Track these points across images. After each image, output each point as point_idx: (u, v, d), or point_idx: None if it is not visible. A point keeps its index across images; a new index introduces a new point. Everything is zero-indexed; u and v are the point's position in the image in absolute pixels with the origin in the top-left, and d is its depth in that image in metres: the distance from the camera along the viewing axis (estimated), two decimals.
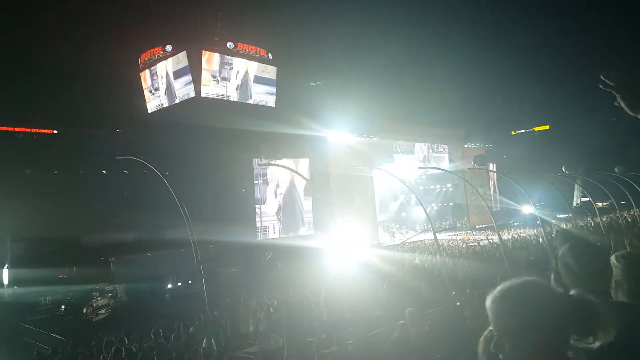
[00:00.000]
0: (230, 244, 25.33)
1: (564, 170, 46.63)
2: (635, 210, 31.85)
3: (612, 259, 2.33)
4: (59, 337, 16.87)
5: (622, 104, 1.93)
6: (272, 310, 13.44)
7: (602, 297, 1.91)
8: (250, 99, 36.30)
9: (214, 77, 34.83)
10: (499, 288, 1.68)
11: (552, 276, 2.21)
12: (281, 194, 33.78)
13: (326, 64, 46.52)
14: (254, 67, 36.51)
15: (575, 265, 2.11)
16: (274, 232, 33.20)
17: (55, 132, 38.97)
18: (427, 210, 31.40)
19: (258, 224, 32.52)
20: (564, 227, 28.79)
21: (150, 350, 11.90)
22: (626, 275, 2.25)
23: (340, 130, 36.03)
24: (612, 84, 1.93)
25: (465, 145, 49.33)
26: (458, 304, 10.57)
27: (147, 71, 37.45)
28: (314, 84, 41.04)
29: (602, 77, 1.95)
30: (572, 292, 1.71)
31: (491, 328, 1.64)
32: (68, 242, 27.72)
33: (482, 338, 1.71)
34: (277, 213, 33.52)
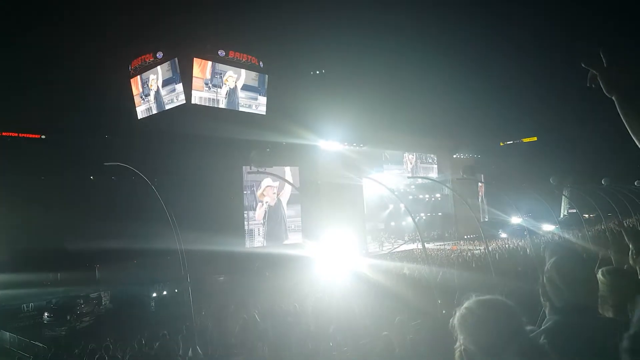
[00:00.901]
0: (218, 252, 25.13)
1: (551, 181, 47.36)
2: (622, 221, 32.29)
3: (599, 274, 2.34)
4: (41, 344, 16.51)
5: (601, 85, 1.87)
6: (258, 320, 13.33)
7: (588, 313, 2.01)
8: (240, 106, 36.30)
9: (205, 84, 34.83)
10: (465, 304, 1.76)
11: (540, 290, 2.20)
12: (267, 202, 33.73)
13: (317, 72, 46.78)
14: (244, 76, 36.61)
15: (560, 281, 2.08)
16: (261, 241, 33.06)
17: (42, 137, 38.50)
18: (416, 220, 31.61)
19: (246, 232, 32.37)
20: (553, 238, 29.06)
21: (134, 359, 11.73)
22: (611, 291, 2.28)
23: (330, 139, 36.19)
24: (593, 68, 1.88)
25: (454, 156, 49.80)
26: (444, 312, 10.62)
27: (137, 77, 37.30)
28: (316, 73, 41.07)
29: (583, 65, 1.92)
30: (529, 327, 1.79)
31: (461, 341, 1.73)
32: (53, 248, 27.26)
33: (456, 350, 1.78)
34: (263, 221, 33.46)
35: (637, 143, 1.71)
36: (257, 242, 32.62)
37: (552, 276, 2.13)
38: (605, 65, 1.81)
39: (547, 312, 2.12)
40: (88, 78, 39.71)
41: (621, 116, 1.76)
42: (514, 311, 1.73)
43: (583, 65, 1.90)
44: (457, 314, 1.77)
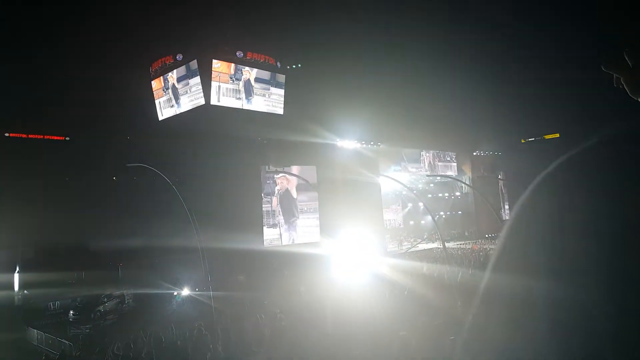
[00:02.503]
0: (237, 251, 25.34)
1: None
2: None
3: None
4: (67, 342, 16.94)
5: (625, 87, 1.87)
6: (277, 319, 13.39)
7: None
8: (255, 95, 36.76)
9: (230, 78, 35.40)
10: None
11: None
12: (278, 189, 34.08)
13: (335, 71, 46.68)
14: (255, 71, 37.06)
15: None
16: (280, 239, 33.20)
17: (66, 138, 39.49)
18: (435, 219, 31.24)
19: (265, 231, 32.57)
20: None
21: (150, 356, 11.91)
22: None
23: (348, 138, 36.07)
24: (615, 71, 1.88)
25: (474, 153, 48.93)
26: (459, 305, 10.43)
27: (158, 79, 37.92)
28: (293, 67, 40.96)
29: (604, 68, 1.93)
30: None
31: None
32: (77, 247, 27.96)
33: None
34: (278, 207, 33.77)
35: None
36: (276, 243, 32.75)
37: None
38: (629, 66, 1.80)
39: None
40: (110, 80, 40.60)
41: None
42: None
43: (603, 68, 1.89)
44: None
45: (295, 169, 32.41)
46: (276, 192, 33.91)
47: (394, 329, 10.24)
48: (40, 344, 18.26)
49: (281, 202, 33.97)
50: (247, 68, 36.32)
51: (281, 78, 38.11)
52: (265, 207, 33.20)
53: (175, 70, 36.32)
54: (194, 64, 34.97)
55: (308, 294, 17.77)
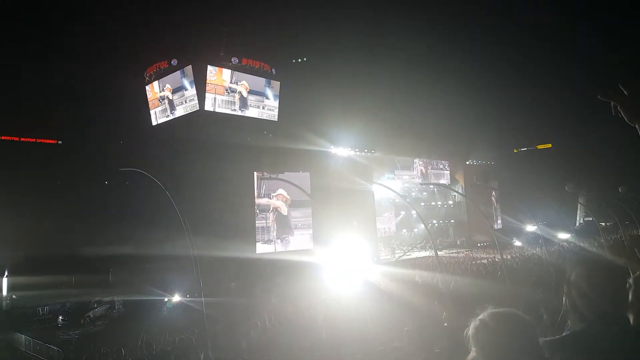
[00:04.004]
0: (230, 258, 25.21)
1: (566, 189, 46.57)
2: None
3: (630, 280, 2.28)
4: (56, 348, 16.71)
5: (622, 114, 1.96)
6: (269, 326, 13.32)
7: (617, 322, 1.99)
8: (250, 107, 36.74)
9: (225, 90, 35.38)
10: (480, 316, 1.81)
11: (565, 300, 2.17)
12: (278, 207, 33.90)
13: (329, 79, 46.93)
14: (255, 82, 37.09)
15: (590, 291, 2.06)
16: (272, 247, 33.08)
17: (59, 142, 39.27)
18: (428, 227, 31.35)
19: (257, 238, 32.45)
20: (573, 247, 28.49)
21: None
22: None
23: (341, 145, 36.17)
24: (611, 100, 1.97)
25: (467, 162, 49.26)
26: (445, 324, 10.41)
27: (152, 84, 37.88)
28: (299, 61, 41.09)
29: (600, 97, 2.00)
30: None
31: (474, 354, 1.78)
32: (67, 252, 27.68)
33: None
34: (274, 227, 33.62)
35: None
36: (269, 250, 32.61)
37: (580, 286, 2.10)
38: (625, 95, 1.88)
39: (570, 321, 2.11)
40: (104, 85, 40.54)
41: None
42: (528, 325, 1.77)
43: (600, 97, 1.96)
44: (472, 325, 1.82)
45: (288, 176, 32.38)
46: (271, 209, 33.71)
47: (386, 338, 10.23)
48: (28, 349, 17.98)
49: (277, 219, 33.85)
50: (243, 82, 36.31)
51: (275, 89, 38.17)
52: (260, 223, 32.93)
53: (171, 80, 36.18)
54: (189, 72, 34.98)
55: (301, 301, 17.67)
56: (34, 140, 37.66)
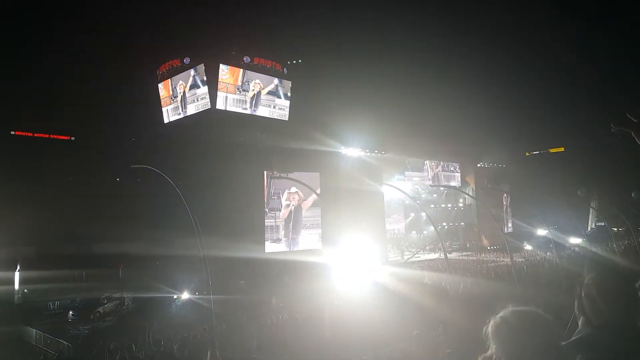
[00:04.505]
0: (239, 256, 25.28)
1: (579, 193, 45.95)
2: None
3: None
4: (65, 342, 16.88)
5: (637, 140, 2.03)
6: (277, 325, 13.32)
7: (624, 329, 1.97)
8: (261, 105, 36.85)
9: (237, 89, 35.54)
10: (501, 314, 1.83)
11: (576, 304, 2.15)
12: (292, 204, 33.96)
13: (341, 79, 46.89)
14: (267, 84, 37.21)
15: (600, 299, 2.04)
16: (281, 246, 33.12)
17: (72, 138, 39.71)
18: (438, 229, 31.15)
19: (266, 237, 32.51)
20: (588, 252, 28.11)
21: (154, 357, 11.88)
22: None
23: (352, 146, 36.07)
24: (625, 128, 2.05)
25: (478, 165, 48.81)
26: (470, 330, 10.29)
27: (164, 82, 38.16)
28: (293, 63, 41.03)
29: (613, 127, 2.07)
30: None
31: (493, 351, 1.80)
32: (79, 247, 28.00)
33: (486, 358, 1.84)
34: (285, 220, 33.69)
35: None
36: (278, 250, 32.65)
37: (591, 293, 2.08)
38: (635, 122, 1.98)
39: (579, 323, 2.09)
40: (117, 82, 40.94)
41: None
42: (548, 324, 1.79)
43: (612, 128, 2.06)
44: (492, 322, 1.83)
45: (298, 175, 32.39)
46: (284, 205, 33.76)
47: (394, 339, 10.16)
48: (39, 343, 18.20)
49: (287, 218, 33.86)
50: (257, 80, 36.47)
51: (287, 88, 38.24)
52: (269, 221, 33.00)
53: (184, 78, 36.43)
54: (201, 70, 35.18)
55: (309, 301, 17.65)
56: (47, 136, 38.11)
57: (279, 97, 37.95)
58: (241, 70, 35.63)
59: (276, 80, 37.76)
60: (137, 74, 40.72)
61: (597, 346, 1.91)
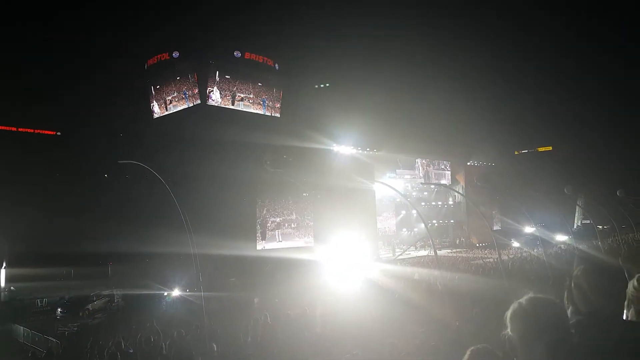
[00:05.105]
0: (230, 253, 25.21)
1: (565, 191, 46.67)
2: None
3: (634, 281, 2.34)
4: (54, 340, 16.71)
5: None
6: (269, 322, 13.34)
7: (610, 318, 2.12)
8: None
9: (218, 86, 35.30)
10: (523, 299, 1.97)
11: (565, 294, 2.28)
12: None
13: (332, 77, 46.88)
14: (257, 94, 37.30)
15: (589, 291, 2.18)
16: (273, 243, 33.08)
17: (57, 133, 39.11)
18: (428, 227, 31.43)
19: (258, 234, 32.43)
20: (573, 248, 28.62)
21: (144, 356, 11.81)
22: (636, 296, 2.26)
23: (344, 144, 36.12)
24: None
25: (468, 163, 49.30)
26: (457, 323, 10.49)
27: (153, 77, 37.70)
28: (320, 86, 41.29)
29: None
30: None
31: (509, 332, 1.95)
32: (67, 244, 27.60)
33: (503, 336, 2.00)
34: (277, 224, 33.61)
35: None
36: (269, 246, 32.58)
37: (580, 284, 2.22)
38: None
39: (568, 313, 2.20)
40: (104, 76, 40.41)
41: None
42: (562, 312, 1.96)
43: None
44: (511, 307, 1.97)
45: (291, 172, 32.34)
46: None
47: (383, 334, 10.27)
48: (27, 340, 17.99)
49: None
50: (246, 98, 36.56)
51: (274, 102, 38.40)
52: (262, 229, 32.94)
53: (176, 70, 36.14)
54: (191, 66, 34.94)
55: (300, 298, 17.69)
56: (32, 130, 37.46)
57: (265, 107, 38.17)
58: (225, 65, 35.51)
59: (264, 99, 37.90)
60: (125, 68, 40.24)
61: (585, 332, 2.00)
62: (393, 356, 8.06)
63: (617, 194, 45.27)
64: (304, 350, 11.08)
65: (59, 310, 22.86)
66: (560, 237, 36.70)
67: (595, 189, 48.00)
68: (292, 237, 34.00)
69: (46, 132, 38.34)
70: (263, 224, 33.01)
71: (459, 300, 14.16)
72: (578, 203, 47.40)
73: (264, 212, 33.02)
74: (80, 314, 22.45)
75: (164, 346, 12.42)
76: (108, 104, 40.71)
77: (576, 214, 51.52)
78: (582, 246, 30.46)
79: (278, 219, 33.59)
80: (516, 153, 61.73)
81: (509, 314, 1.94)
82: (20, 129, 36.99)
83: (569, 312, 2.19)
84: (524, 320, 1.87)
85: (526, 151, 62.10)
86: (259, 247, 31.82)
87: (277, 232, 33.53)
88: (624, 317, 2.24)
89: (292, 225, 34.15)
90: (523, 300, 1.93)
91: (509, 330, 1.92)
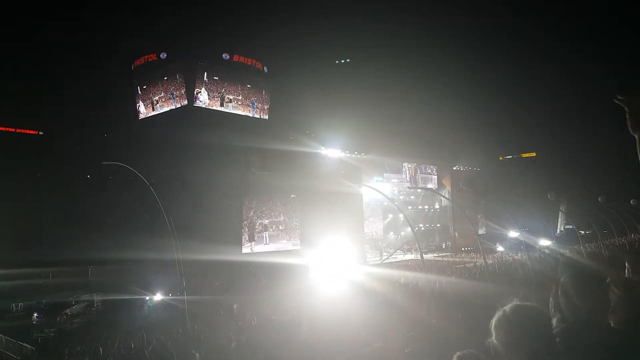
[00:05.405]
0: (215, 256, 24.83)
1: (549, 197, 47.39)
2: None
3: (611, 285, 2.35)
4: (29, 346, 16.12)
5: (628, 122, 2.10)
6: (254, 327, 13.09)
7: (597, 326, 2.13)
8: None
9: (206, 88, 34.94)
10: (507, 306, 1.97)
11: (551, 300, 2.29)
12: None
13: (321, 81, 46.92)
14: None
15: (576, 297, 2.20)
16: (260, 245, 32.75)
17: (40, 133, 38.29)
18: (415, 230, 31.50)
19: (246, 236, 32.06)
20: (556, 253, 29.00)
21: None
22: (622, 302, 2.31)
23: (331, 147, 36.09)
24: (624, 105, 2.11)
25: (454, 168, 49.81)
26: (434, 321, 10.42)
27: (140, 77, 37.19)
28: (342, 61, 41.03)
29: (617, 98, 2.11)
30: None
31: (493, 340, 1.96)
32: (45, 246, 26.84)
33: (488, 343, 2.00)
34: (265, 225, 33.32)
35: None
36: (256, 250, 32.23)
37: (567, 290, 2.24)
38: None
39: (554, 321, 2.21)
40: (90, 76, 39.73)
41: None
42: (546, 319, 1.97)
43: (616, 99, 2.12)
44: (496, 316, 1.99)
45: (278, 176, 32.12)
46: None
47: (369, 338, 10.13)
48: (0, 347, 17.32)
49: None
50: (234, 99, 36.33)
51: (263, 104, 38.27)
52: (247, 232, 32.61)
53: (163, 72, 35.73)
54: (178, 67, 34.55)
55: (286, 302, 17.45)
56: (13, 130, 36.60)
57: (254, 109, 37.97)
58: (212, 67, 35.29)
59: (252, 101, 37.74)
60: (111, 68, 39.64)
61: (572, 339, 2.03)
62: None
63: (599, 199, 46.10)
64: (289, 356, 10.86)
65: (35, 315, 22.07)
66: (544, 242, 37.17)
67: (578, 194, 48.89)
68: (280, 239, 33.70)
69: (28, 131, 37.51)
70: (251, 226, 32.62)
71: (445, 303, 14.11)
72: (561, 208, 48.15)
73: (251, 213, 32.63)
74: (58, 319, 21.71)
75: (145, 352, 12.09)
76: (93, 104, 40.04)
77: (559, 219, 52.34)
78: (565, 251, 30.89)
79: (266, 221, 33.23)
80: (501, 158, 62.61)
81: (493, 321, 1.96)
82: (1, 128, 36.12)
83: (554, 320, 2.19)
84: (507, 329, 1.90)
85: (511, 157, 63.04)
86: (246, 249, 31.45)
87: (264, 234, 33.18)
88: (610, 324, 2.24)
89: (280, 227, 33.85)
90: (507, 307, 1.95)
91: (493, 338, 1.94)
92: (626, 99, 2.07)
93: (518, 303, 1.97)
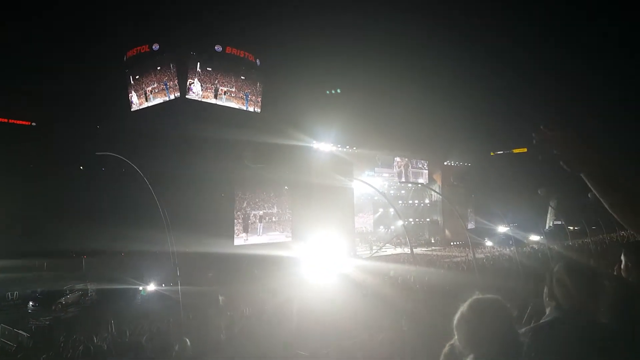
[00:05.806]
0: (208, 248, 25.09)
1: (539, 193, 47.94)
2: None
3: (604, 277, 2.39)
4: (25, 333, 16.39)
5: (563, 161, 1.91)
6: (245, 318, 13.42)
7: (591, 314, 2.10)
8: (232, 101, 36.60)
9: (199, 79, 34.94)
10: (466, 303, 1.89)
11: (545, 290, 2.25)
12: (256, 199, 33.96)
13: (313, 74, 46.97)
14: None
15: (571, 284, 2.16)
16: (254, 235, 33.05)
17: (33, 124, 38.10)
18: (404, 224, 31.95)
19: (240, 227, 32.33)
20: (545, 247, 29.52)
21: (117, 350, 11.72)
22: (613, 297, 2.29)
23: (323, 141, 36.30)
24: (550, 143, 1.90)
25: (445, 163, 50.20)
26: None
27: (132, 68, 37.09)
28: (331, 92, 41.41)
29: (538, 137, 1.93)
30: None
31: (456, 338, 1.87)
32: (39, 236, 26.97)
33: (446, 348, 1.95)
34: (259, 217, 33.64)
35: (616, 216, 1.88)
36: (249, 241, 32.51)
37: (563, 279, 2.19)
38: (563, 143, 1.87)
39: (548, 309, 2.20)
40: (83, 67, 39.51)
41: (596, 191, 1.89)
42: (505, 312, 1.86)
43: (536, 139, 1.93)
44: (457, 314, 1.91)
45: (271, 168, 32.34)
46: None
47: (358, 330, 10.46)
48: None
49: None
50: (228, 91, 36.33)
51: (256, 96, 38.27)
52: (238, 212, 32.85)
53: (156, 63, 35.64)
54: (171, 59, 34.49)
55: (277, 294, 17.80)
56: (5, 120, 36.40)
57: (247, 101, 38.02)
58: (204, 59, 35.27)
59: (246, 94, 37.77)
60: (104, 59, 39.45)
61: (560, 331, 2.00)
62: (365, 352, 8.23)
63: (589, 196, 46.64)
64: (278, 347, 11.19)
65: (31, 303, 22.34)
66: (533, 237, 37.80)
67: (568, 191, 49.45)
68: (274, 230, 34.01)
69: (21, 122, 37.31)
70: (245, 218, 32.90)
71: (433, 296, 14.48)
72: (550, 204, 48.82)
73: (244, 204, 32.89)
74: (53, 307, 22.00)
75: (139, 341, 12.38)
76: (85, 95, 39.88)
77: (548, 215, 53.07)
78: (554, 246, 31.48)
79: (260, 212, 33.53)
80: (492, 154, 63.08)
81: (454, 322, 1.87)
82: None
83: (548, 309, 2.18)
84: (465, 329, 1.81)
85: (501, 152, 63.52)
86: (240, 240, 31.74)
87: (259, 225, 33.48)
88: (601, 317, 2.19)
89: (274, 219, 34.17)
90: (465, 305, 1.86)
91: (455, 339, 1.86)
92: (552, 136, 1.90)
93: (476, 297, 1.86)
